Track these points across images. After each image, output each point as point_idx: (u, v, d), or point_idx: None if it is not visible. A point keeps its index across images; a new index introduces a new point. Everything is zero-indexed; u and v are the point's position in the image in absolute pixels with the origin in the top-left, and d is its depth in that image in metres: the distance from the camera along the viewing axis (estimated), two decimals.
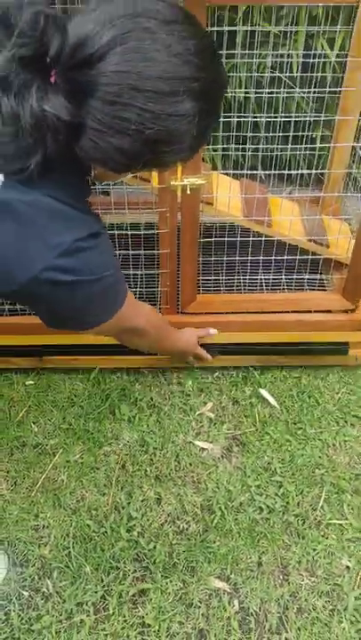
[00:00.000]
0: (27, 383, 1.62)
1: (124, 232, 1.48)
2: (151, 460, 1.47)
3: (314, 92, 1.56)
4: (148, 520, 1.35)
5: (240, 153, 1.70)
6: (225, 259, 1.51)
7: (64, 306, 0.92)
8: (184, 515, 1.36)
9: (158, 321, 1.29)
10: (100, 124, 0.72)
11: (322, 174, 1.82)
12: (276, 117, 1.62)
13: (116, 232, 1.46)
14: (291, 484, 1.40)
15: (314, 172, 1.63)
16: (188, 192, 1.28)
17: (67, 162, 0.78)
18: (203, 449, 1.48)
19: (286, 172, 1.75)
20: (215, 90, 0.78)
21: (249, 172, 1.68)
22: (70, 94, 0.71)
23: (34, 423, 1.54)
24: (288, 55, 1.65)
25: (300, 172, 1.66)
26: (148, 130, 0.72)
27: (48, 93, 0.71)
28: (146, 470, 1.44)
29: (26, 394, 1.60)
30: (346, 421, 1.53)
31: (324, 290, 1.62)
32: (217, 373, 1.64)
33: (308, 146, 1.57)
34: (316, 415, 1.54)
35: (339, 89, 1.50)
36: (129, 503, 1.38)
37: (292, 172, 1.72)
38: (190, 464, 1.45)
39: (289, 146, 1.45)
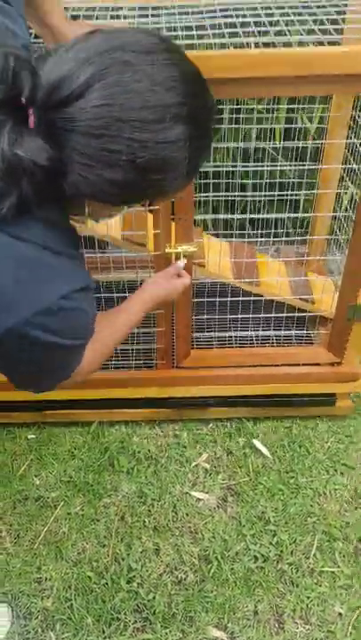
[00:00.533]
0: (28, 437, 1.69)
1: (121, 295, 1.57)
2: (149, 511, 1.52)
3: (296, 165, 1.70)
4: (147, 571, 1.40)
5: (229, 216, 1.83)
6: (217, 317, 1.61)
7: (18, 361, 0.83)
8: (182, 565, 1.41)
9: (101, 343, 1.05)
10: (88, 159, 0.71)
11: (306, 232, 1.95)
12: (261, 181, 1.75)
13: (115, 294, 1.56)
14: (284, 532, 1.46)
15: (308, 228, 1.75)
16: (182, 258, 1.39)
17: (48, 203, 0.75)
18: (199, 499, 1.54)
19: (273, 231, 1.88)
20: (204, 114, 0.77)
21: (238, 231, 1.81)
22: (49, 136, 0.70)
23: (35, 476, 1.60)
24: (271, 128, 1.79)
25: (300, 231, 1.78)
26: (139, 159, 0.71)
27: (24, 136, 0.70)
28: (144, 521, 1.50)
29: (28, 447, 1.66)
30: (335, 470, 1.60)
31: (311, 344, 1.71)
32: (211, 425, 1.71)
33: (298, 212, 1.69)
34: (307, 464, 1.61)
35: (319, 166, 1.64)
36: (128, 554, 1.43)
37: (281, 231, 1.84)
38: (187, 514, 1.51)
39: (277, 215, 1.56)
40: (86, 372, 0.99)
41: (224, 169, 1.71)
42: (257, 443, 1.66)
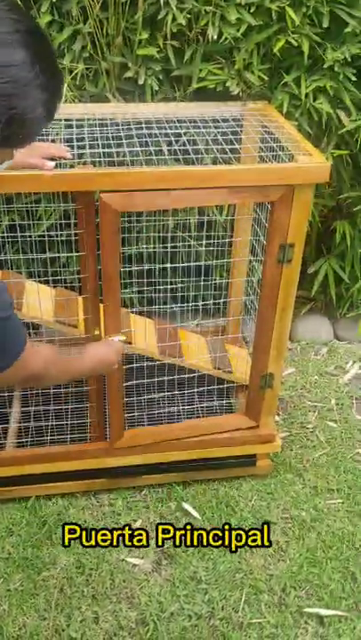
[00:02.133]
0: None
1: None
2: (87, 580, 1.59)
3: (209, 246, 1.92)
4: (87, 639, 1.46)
5: (155, 295, 2.01)
6: (146, 397, 1.76)
7: None
8: (120, 630, 1.48)
9: (56, 356, 1.20)
10: None
11: (224, 307, 2.17)
12: (180, 264, 1.97)
13: None
14: (215, 589, 1.57)
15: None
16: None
17: None
18: (135, 565, 1.63)
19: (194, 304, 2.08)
20: (40, 38, 0.81)
21: (162, 307, 1.99)
22: None
23: None
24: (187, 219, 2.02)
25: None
26: None
27: None
28: (83, 591, 1.56)
29: None
30: (259, 526, 1.74)
31: (232, 411, 1.88)
32: (144, 491, 1.82)
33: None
34: (233, 523, 1.73)
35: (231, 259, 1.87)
36: (68, 625, 1.49)
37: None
38: (124, 580, 1.59)
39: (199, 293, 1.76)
40: (39, 368, 1.08)
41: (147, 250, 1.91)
42: (187, 506, 1.78)
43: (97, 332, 1.53)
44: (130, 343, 1.74)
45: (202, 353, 1.89)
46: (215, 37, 1.68)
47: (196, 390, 1.80)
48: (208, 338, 2.00)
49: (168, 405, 1.82)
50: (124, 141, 1.56)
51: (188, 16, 1.67)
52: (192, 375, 1.84)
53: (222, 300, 2.18)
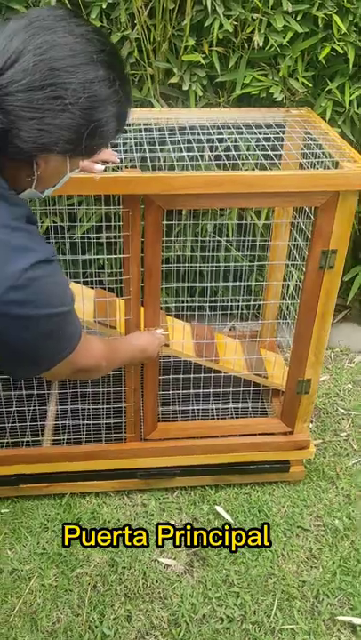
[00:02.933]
0: (2, 511, 1.76)
1: None
2: (120, 579, 1.61)
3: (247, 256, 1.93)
4: (120, 637, 1.48)
5: (189, 298, 2.03)
6: (181, 392, 1.77)
7: (16, 342, 0.87)
8: (153, 630, 1.50)
9: (106, 347, 1.22)
10: (36, 112, 0.78)
11: (258, 312, 2.17)
12: (218, 267, 1.98)
13: None
14: (247, 593, 1.57)
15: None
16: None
17: None
18: (167, 565, 1.64)
19: (229, 310, 2.09)
20: (119, 59, 0.88)
21: (198, 312, 2.01)
22: None
23: (10, 550, 1.66)
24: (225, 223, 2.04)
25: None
26: (81, 99, 0.80)
27: None
28: (116, 589, 1.58)
29: (1, 521, 1.73)
30: (292, 532, 1.73)
31: (266, 415, 1.88)
32: (177, 493, 1.83)
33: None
34: (266, 528, 1.74)
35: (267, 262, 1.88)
36: (102, 622, 1.50)
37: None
38: (157, 580, 1.60)
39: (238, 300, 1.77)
40: (91, 361, 1.10)
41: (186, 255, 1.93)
42: (219, 509, 1.78)
43: None
44: (166, 345, 1.76)
45: (237, 355, 1.90)
46: (261, 44, 1.70)
47: (231, 390, 1.81)
48: (243, 341, 2.00)
49: (202, 403, 1.83)
50: (169, 146, 1.58)
51: (235, 23, 1.69)
52: (227, 375, 1.85)
53: (257, 304, 2.19)
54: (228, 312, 2.25)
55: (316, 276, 1.50)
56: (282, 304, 2.05)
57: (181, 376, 1.76)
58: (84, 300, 1.73)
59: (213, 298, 2.05)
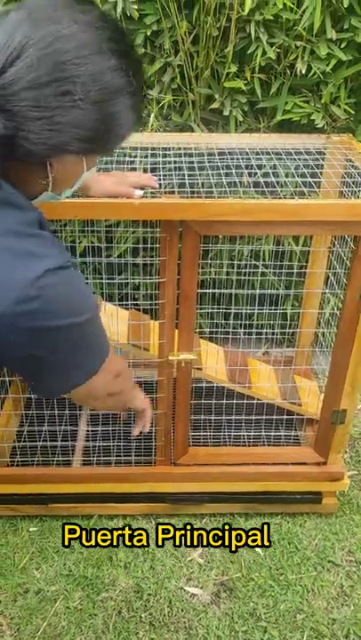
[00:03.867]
0: (30, 529, 1.76)
1: None
2: (145, 606, 1.58)
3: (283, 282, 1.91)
4: None
5: (223, 321, 2.02)
6: (213, 418, 1.75)
7: (42, 355, 0.79)
8: None
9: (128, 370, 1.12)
10: (44, 110, 0.71)
11: (293, 337, 2.14)
12: (254, 291, 1.97)
13: None
14: (275, 629, 1.53)
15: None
16: (183, 365, 1.56)
17: (5, 181, 0.75)
18: (193, 594, 1.61)
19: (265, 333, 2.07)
20: (131, 45, 0.81)
21: (232, 336, 1.99)
22: None
23: (36, 569, 1.66)
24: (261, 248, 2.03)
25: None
26: (92, 92, 0.73)
27: None
28: (141, 616, 1.56)
29: (29, 540, 1.73)
30: (323, 567, 1.68)
31: (299, 444, 1.85)
32: (205, 520, 1.81)
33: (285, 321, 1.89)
34: (295, 561, 1.69)
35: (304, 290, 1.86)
36: None
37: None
38: (182, 610, 1.57)
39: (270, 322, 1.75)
40: (111, 378, 0.97)
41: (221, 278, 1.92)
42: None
43: (171, 357, 1.54)
44: (199, 368, 1.74)
45: (271, 382, 1.88)
46: (304, 72, 1.70)
47: (263, 417, 1.78)
48: (277, 367, 1.98)
49: (234, 429, 1.81)
50: (208, 171, 1.59)
51: (278, 50, 1.70)
52: (260, 402, 1.82)
53: (292, 330, 2.16)
54: (263, 337, 2.23)
55: (355, 305, 1.47)
56: (317, 331, 2.02)
57: (213, 401, 1.75)
58: (119, 321, 1.73)
59: (248, 322, 2.04)
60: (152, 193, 1.44)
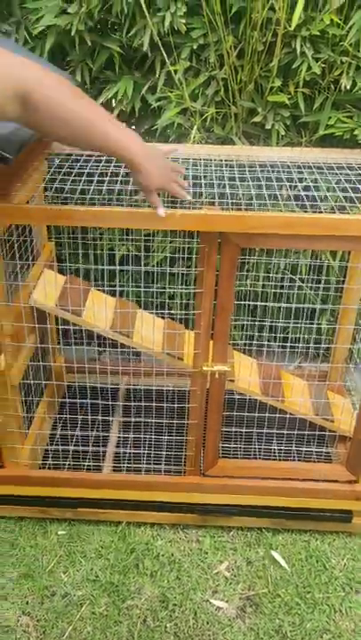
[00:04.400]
0: (59, 533, 1.78)
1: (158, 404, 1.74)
2: (171, 616, 1.58)
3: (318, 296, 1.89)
4: None
5: (257, 333, 2.02)
6: (244, 430, 1.75)
7: None
8: None
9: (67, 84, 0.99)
10: None
11: (328, 352, 2.12)
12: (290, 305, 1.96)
13: (154, 404, 1.72)
14: None
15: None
16: (217, 376, 1.56)
17: None
18: (219, 608, 1.60)
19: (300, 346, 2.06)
20: None
21: (266, 349, 1.99)
22: None
23: (63, 573, 1.68)
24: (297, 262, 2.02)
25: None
26: None
27: None
28: (166, 626, 1.55)
29: (57, 543, 1.75)
30: (351, 587, 1.65)
31: (330, 461, 1.82)
32: (232, 533, 1.79)
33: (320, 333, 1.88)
34: (323, 579, 1.67)
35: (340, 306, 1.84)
36: None
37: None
38: (207, 622, 1.56)
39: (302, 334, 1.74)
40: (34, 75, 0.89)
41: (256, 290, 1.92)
42: (276, 554, 1.73)
43: (205, 368, 1.55)
44: (232, 380, 1.74)
45: (304, 397, 1.86)
46: (348, 87, 1.69)
47: (295, 432, 1.77)
48: (310, 382, 1.96)
49: (265, 442, 1.80)
50: (249, 183, 1.59)
51: (323, 65, 1.70)
52: (292, 416, 1.81)
53: (326, 346, 2.14)
54: (297, 350, 2.21)
55: None
56: (352, 347, 1.99)
57: (246, 414, 1.74)
58: (155, 330, 1.75)
59: (282, 335, 2.03)
60: (192, 204, 1.46)
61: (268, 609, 1.60)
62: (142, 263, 1.98)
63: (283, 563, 1.71)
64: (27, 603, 1.60)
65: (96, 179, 1.54)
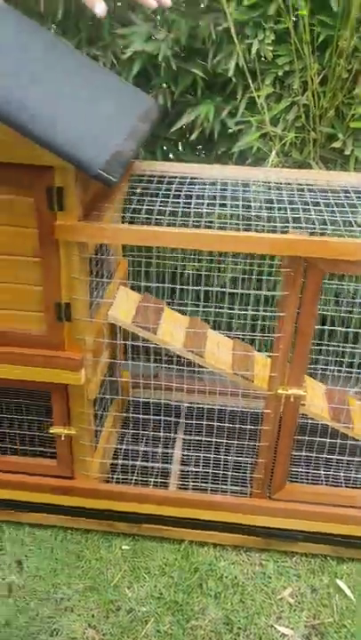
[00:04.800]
0: (123, 547, 1.79)
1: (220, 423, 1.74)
2: (235, 639, 1.57)
3: None
4: None
5: (323, 357, 2.01)
6: (314, 454, 1.74)
7: None
8: None
9: None
10: None
11: None
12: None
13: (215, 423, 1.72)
14: None
15: None
16: (292, 400, 1.56)
17: None
18: (284, 634, 1.58)
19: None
20: None
21: (331, 372, 1.97)
22: None
23: (128, 588, 1.68)
24: None
25: None
26: None
27: None
28: None
29: (122, 557, 1.76)
30: None
31: None
32: (295, 558, 1.78)
33: None
34: None
35: None
36: None
37: None
38: None
39: None
40: None
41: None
42: (341, 583, 1.70)
43: (280, 391, 1.55)
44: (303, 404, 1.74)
45: None
46: None
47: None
48: None
49: (333, 469, 1.78)
50: (322, 207, 1.60)
51: None
52: (358, 443, 1.79)
53: None
54: (360, 376, 2.19)
55: None
56: None
57: (317, 439, 1.73)
58: (223, 349, 1.76)
59: (349, 360, 2.01)
60: (282, 231, 1.45)
61: (335, 639, 1.57)
62: (214, 283, 1.99)
63: (348, 592, 1.68)
64: (92, 616, 1.61)
65: (182, 200, 1.56)
